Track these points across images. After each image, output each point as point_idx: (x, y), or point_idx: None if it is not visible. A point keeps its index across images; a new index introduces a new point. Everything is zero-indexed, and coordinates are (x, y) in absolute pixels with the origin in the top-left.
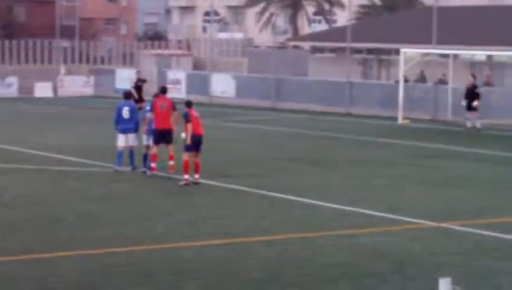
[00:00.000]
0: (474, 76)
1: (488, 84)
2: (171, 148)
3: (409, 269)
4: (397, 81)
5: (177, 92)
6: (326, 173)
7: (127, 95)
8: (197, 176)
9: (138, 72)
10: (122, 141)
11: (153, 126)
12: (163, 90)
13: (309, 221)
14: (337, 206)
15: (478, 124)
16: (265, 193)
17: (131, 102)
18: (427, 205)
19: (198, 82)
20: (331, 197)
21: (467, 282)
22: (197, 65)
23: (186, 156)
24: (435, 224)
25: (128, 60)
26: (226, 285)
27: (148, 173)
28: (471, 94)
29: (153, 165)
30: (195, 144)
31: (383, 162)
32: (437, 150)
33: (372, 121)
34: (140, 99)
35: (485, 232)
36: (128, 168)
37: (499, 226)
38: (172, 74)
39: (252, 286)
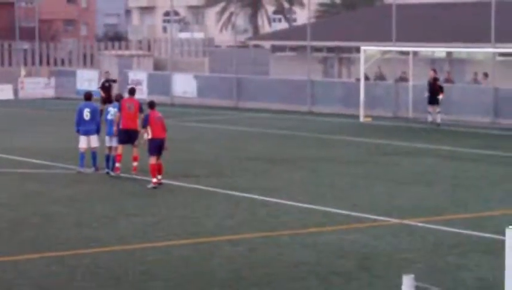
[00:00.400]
0: (434, 70)
1: (448, 80)
2: (135, 150)
3: (374, 266)
4: (358, 79)
5: (139, 93)
6: (290, 172)
7: (88, 96)
8: (159, 177)
9: (106, 72)
10: (84, 142)
11: (120, 126)
12: (132, 92)
13: (274, 220)
14: (301, 204)
15: (439, 119)
16: (229, 192)
17: (92, 103)
18: (390, 202)
19: (160, 82)
20: (294, 195)
21: (430, 278)
22: (158, 65)
23: (152, 160)
24: (398, 221)
25: (88, 61)
26: (191, 285)
27: (112, 173)
28: (434, 87)
29: (117, 165)
30: (158, 147)
31: (345, 160)
32: (399, 147)
33: (334, 119)
34: (108, 100)
35: (447, 229)
36: (91, 170)
37: (461, 222)
38: (133, 75)
39: (218, 286)
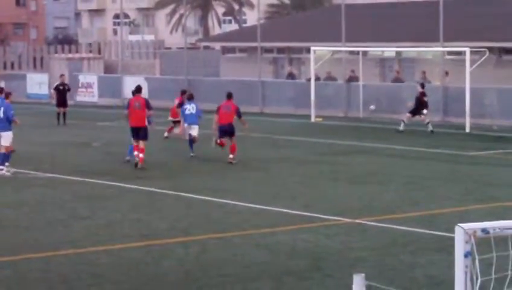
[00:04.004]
0: (423, 85)
1: (397, 80)
2: (142, 143)
3: (327, 266)
4: (309, 80)
5: (89, 96)
6: (241, 173)
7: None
8: (141, 155)
9: (62, 76)
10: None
11: (129, 124)
12: (138, 90)
13: (226, 221)
14: (253, 205)
15: (426, 121)
16: (181, 194)
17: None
18: (341, 201)
19: (110, 85)
20: (246, 196)
21: (382, 277)
22: (109, 68)
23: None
24: (350, 220)
25: (38, 64)
26: (144, 288)
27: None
28: (421, 102)
29: (141, 156)
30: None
31: (297, 160)
32: (350, 147)
33: (285, 119)
34: (61, 104)
35: (399, 227)
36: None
37: (413, 220)
38: (83, 78)
39: (171, 288)
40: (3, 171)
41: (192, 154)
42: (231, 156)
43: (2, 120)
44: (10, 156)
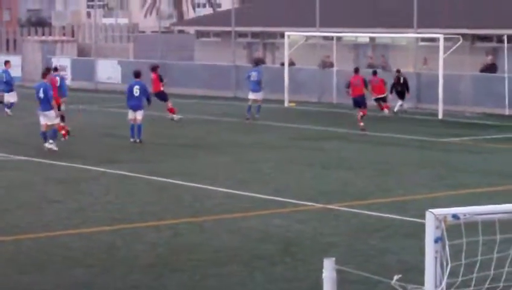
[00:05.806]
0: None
1: (370, 66)
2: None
3: (298, 251)
4: (282, 64)
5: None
6: (214, 157)
7: (137, 74)
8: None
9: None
10: (132, 115)
11: None
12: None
13: (198, 205)
14: (225, 189)
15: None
16: (154, 178)
17: (141, 81)
18: (314, 187)
19: (84, 68)
20: (219, 181)
21: (353, 262)
22: (82, 51)
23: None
24: (322, 206)
25: (11, 47)
26: (115, 271)
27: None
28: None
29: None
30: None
31: (270, 145)
32: (323, 132)
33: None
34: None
35: (371, 213)
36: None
37: (385, 206)
38: (57, 61)
39: (142, 272)
40: (52, 146)
41: (248, 117)
42: (361, 123)
43: (44, 100)
44: (57, 134)
